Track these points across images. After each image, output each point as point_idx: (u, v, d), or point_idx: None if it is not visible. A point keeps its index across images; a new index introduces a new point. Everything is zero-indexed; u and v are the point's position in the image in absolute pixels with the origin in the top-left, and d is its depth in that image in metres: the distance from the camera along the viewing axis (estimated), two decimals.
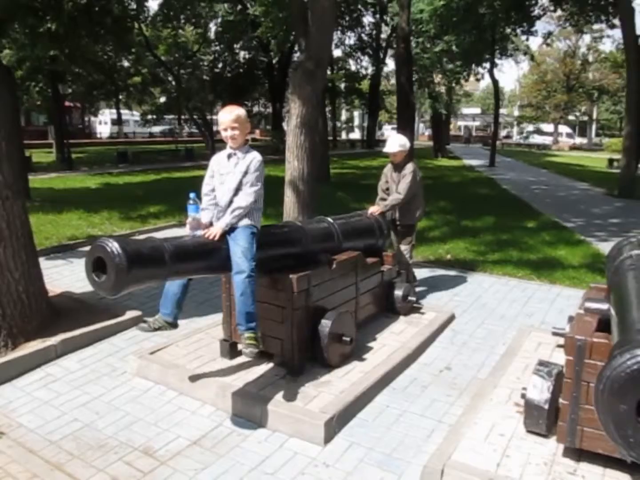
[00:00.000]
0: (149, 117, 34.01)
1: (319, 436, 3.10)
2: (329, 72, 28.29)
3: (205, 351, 4.08)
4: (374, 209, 5.14)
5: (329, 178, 16.34)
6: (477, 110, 61.99)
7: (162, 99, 35.52)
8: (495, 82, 25.42)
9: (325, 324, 3.75)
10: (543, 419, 2.92)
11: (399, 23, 16.78)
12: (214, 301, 5.29)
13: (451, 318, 5.08)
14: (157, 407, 3.48)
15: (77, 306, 4.98)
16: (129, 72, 30.36)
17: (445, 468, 2.71)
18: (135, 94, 34.47)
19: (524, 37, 25.50)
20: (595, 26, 30.64)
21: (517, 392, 3.32)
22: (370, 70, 36.20)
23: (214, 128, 27.78)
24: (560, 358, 3.19)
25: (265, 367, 3.83)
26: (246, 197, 3.40)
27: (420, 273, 6.32)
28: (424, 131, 60.21)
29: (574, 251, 7.94)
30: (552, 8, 22.01)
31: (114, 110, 43.58)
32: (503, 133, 56.16)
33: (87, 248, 3.06)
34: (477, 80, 30.38)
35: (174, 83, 29.38)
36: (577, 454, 2.80)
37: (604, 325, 2.79)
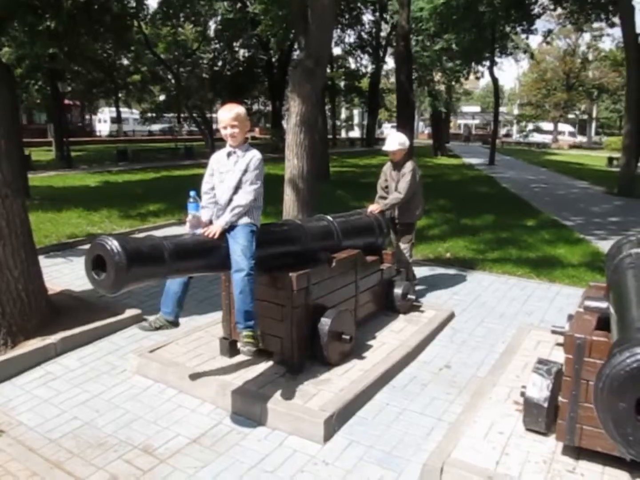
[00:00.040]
0: (149, 115, 33.96)
1: (319, 434, 3.11)
2: (328, 70, 28.32)
3: (205, 349, 4.08)
4: (373, 207, 5.14)
5: (328, 176, 16.34)
6: (477, 109, 62.01)
7: (162, 97, 35.48)
8: (495, 80, 25.43)
9: (325, 322, 3.75)
10: (542, 417, 2.93)
11: (398, 21, 16.76)
12: (213, 299, 5.29)
13: (451, 316, 5.08)
14: (156, 405, 3.48)
15: (77, 304, 4.98)
16: (129, 70, 30.34)
17: (444, 466, 2.71)
18: (135, 92, 34.40)
19: (523, 36, 25.50)
20: (595, 24, 30.57)
21: (516, 390, 3.33)
22: (370, 69, 36.21)
23: (214, 126, 27.79)
24: (559, 356, 3.19)
25: (264, 365, 3.83)
26: (246, 196, 3.40)
27: (420, 271, 6.32)
28: (423, 129, 60.17)
29: (574, 250, 7.94)
30: (552, 7, 22.01)
31: (114, 109, 43.54)
32: (503, 131, 56.16)
33: (87, 246, 3.07)
34: (477, 78, 30.43)
35: (173, 81, 29.38)
36: (576, 452, 2.81)
37: (603, 324, 2.79)
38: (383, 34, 33.49)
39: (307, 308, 3.75)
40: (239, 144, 3.48)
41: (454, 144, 42.35)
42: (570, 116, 54.89)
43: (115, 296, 3.29)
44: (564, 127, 53.43)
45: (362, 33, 33.21)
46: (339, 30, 30.50)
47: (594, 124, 55.94)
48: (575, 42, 50.31)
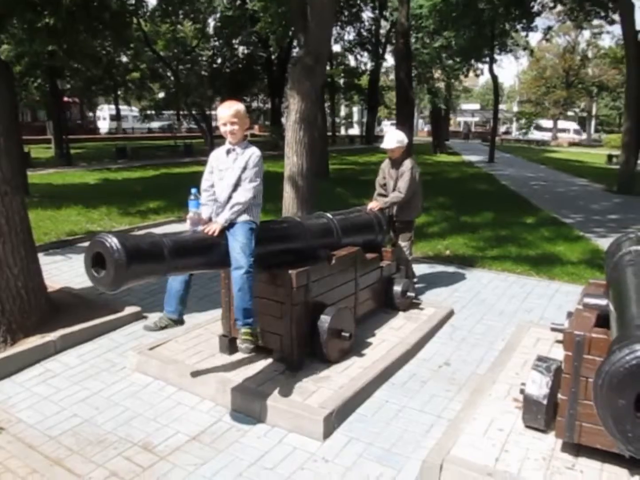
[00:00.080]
0: (148, 112, 33.90)
1: (318, 431, 3.11)
2: (328, 68, 28.18)
3: (205, 347, 4.08)
4: (373, 205, 5.14)
5: (328, 174, 16.32)
6: (477, 106, 61.90)
7: (161, 95, 35.37)
8: (494, 77, 25.38)
9: (325, 320, 3.75)
10: (542, 414, 2.93)
11: (398, 18, 16.75)
12: (213, 297, 5.29)
13: (450, 314, 5.09)
14: (156, 403, 3.48)
15: (77, 302, 4.98)
16: (128, 67, 30.21)
17: (444, 463, 2.72)
18: (134, 89, 34.31)
19: (523, 33, 25.48)
20: (595, 22, 30.44)
21: (516, 387, 3.33)
22: (369, 66, 36.12)
23: (213, 123, 27.74)
24: (559, 353, 3.19)
25: (264, 362, 3.83)
26: (245, 193, 3.40)
27: (419, 269, 6.32)
28: (423, 127, 60.14)
29: (573, 247, 7.94)
30: (551, 4, 21.97)
31: (113, 106, 43.44)
32: (502, 129, 56.10)
33: (86, 244, 3.06)
34: (477, 75, 30.42)
35: (172, 78, 29.27)
36: (576, 449, 2.81)
37: (602, 321, 2.80)
38: (382, 31, 33.44)
39: (307, 305, 3.75)
40: (238, 141, 3.48)
41: (454, 142, 42.30)
42: (570, 113, 54.82)
43: (115, 294, 3.28)
44: (569, 125, 53.28)
45: (362, 30, 33.18)
46: (338, 28, 30.43)
47: (593, 122, 55.90)
48: (574, 40, 50.22)
